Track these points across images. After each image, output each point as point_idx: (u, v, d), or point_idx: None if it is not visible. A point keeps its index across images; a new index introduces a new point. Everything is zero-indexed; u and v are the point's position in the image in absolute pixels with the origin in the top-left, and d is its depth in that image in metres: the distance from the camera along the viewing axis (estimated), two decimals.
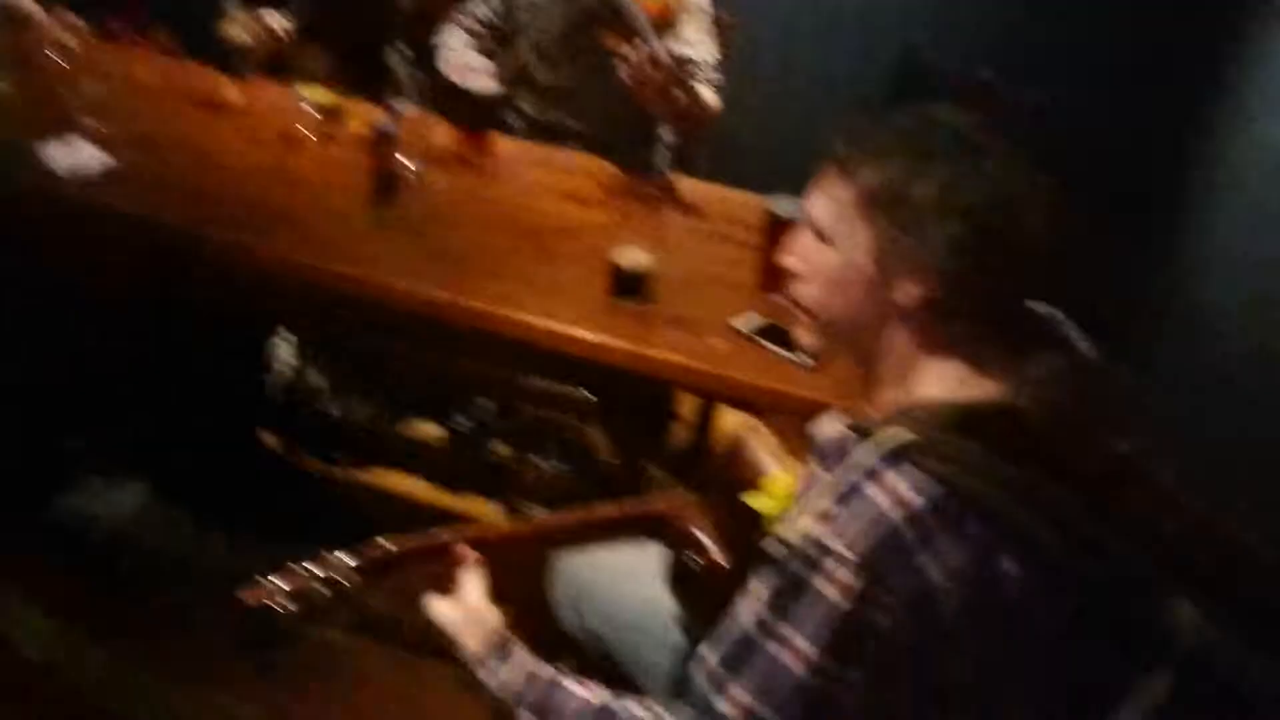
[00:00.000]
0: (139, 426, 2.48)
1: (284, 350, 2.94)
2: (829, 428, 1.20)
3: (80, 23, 2.49)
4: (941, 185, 1.17)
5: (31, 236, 2.14)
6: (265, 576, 1.29)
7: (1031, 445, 1.14)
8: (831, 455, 1.18)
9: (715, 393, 1.94)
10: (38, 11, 2.56)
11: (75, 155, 2.13)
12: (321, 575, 1.31)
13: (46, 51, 2.40)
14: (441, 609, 1.38)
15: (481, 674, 1.32)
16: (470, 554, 1.41)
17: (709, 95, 2.46)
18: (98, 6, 2.61)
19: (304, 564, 1.31)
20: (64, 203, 2.06)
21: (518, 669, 1.32)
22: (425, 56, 2.76)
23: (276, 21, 2.55)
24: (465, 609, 1.37)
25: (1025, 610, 1.12)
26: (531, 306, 1.93)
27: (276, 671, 1.32)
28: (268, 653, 1.29)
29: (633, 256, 1.96)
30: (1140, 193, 3.14)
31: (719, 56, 2.54)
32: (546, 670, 1.31)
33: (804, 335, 1.31)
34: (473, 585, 1.39)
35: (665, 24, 2.51)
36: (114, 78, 2.35)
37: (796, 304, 1.30)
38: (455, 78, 2.48)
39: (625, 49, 2.22)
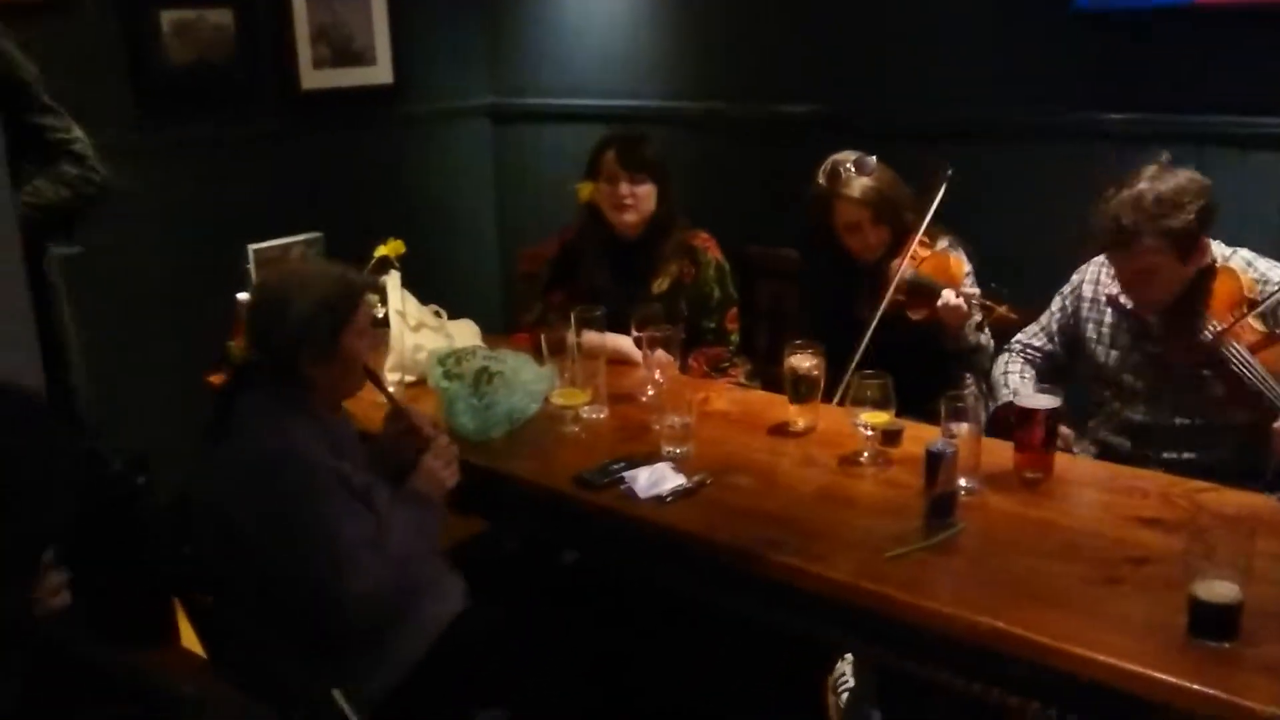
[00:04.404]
0: None
1: (849, 671, 2.91)
2: None
3: (669, 359, 2.81)
4: None
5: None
6: None
7: None
8: None
9: None
10: (636, 354, 2.92)
11: (655, 479, 2.33)
12: None
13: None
14: None
15: None
16: None
17: None
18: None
19: None
20: (635, 520, 2.26)
21: None
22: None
23: None
24: None
25: None
26: (1097, 642, 1.75)
27: None
28: None
29: (1216, 589, 1.73)
30: None
31: None
32: None
33: None
34: None
35: None
36: (694, 409, 2.56)
37: None
38: (1015, 401, 2.44)
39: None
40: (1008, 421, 2.41)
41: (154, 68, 3.62)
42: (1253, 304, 2.41)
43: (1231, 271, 2.47)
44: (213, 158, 3.82)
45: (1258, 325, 2.39)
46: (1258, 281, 2.47)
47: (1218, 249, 2.53)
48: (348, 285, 2.23)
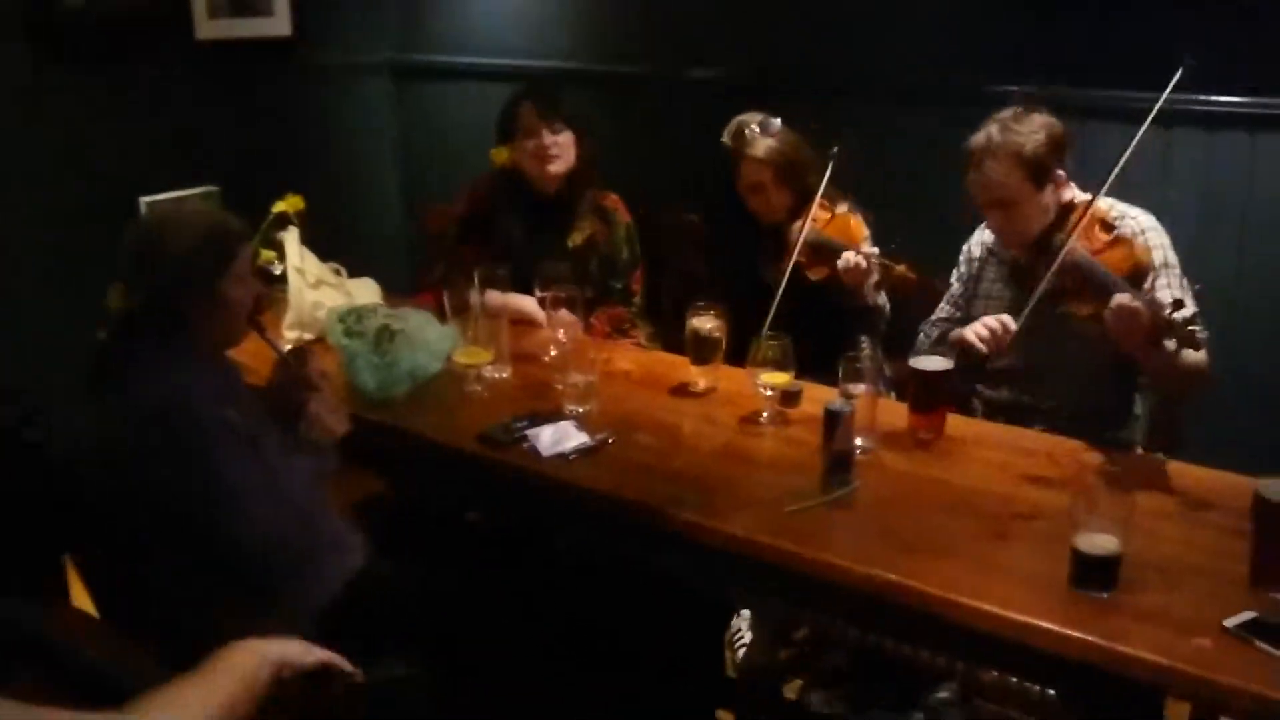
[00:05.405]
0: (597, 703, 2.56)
1: (746, 626, 2.97)
2: None
3: (573, 319, 2.81)
4: None
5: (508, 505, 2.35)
6: None
7: None
8: None
9: (1203, 700, 1.70)
10: (539, 314, 2.92)
11: (559, 437, 2.34)
12: None
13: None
14: None
15: None
16: None
17: (1200, 353, 2.28)
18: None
19: None
20: (538, 478, 2.27)
21: None
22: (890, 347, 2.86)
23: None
24: None
25: None
26: (985, 593, 1.81)
27: None
28: None
29: (1097, 542, 1.80)
30: None
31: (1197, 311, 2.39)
32: None
33: None
34: None
35: (1136, 284, 2.42)
36: (597, 368, 2.58)
37: None
38: (910, 363, 2.51)
39: (1107, 307, 2.19)
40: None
41: (45, 6, 3.48)
42: (1105, 224, 2.57)
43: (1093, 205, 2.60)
44: (105, 105, 3.70)
45: (1105, 235, 2.55)
46: (1115, 213, 2.61)
47: (1081, 195, 2.64)
48: (224, 230, 2.18)
